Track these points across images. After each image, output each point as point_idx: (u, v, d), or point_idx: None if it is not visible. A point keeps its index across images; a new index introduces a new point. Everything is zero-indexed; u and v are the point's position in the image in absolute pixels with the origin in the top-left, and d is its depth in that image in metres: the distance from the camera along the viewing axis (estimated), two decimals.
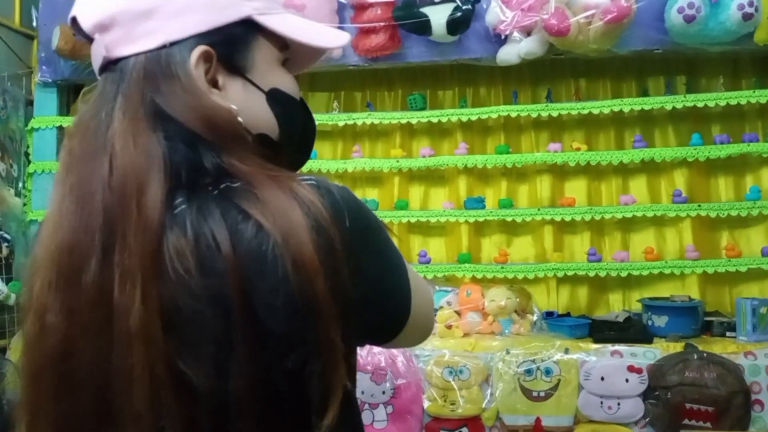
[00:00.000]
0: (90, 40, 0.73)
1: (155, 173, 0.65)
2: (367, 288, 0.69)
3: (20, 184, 2.79)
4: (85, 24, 0.71)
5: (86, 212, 0.66)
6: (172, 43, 0.70)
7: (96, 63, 0.73)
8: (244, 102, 0.73)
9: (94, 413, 0.65)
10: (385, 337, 0.78)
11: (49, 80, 2.74)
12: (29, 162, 2.77)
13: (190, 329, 0.63)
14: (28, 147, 2.80)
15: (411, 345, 0.86)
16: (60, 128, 2.76)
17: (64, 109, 2.83)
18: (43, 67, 2.72)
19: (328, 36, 0.81)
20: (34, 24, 2.81)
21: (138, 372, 0.62)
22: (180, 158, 0.66)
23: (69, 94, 2.88)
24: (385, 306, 0.74)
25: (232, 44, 0.73)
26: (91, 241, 0.65)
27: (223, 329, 0.63)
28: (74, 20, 0.73)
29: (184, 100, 0.68)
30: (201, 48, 0.70)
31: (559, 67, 2.74)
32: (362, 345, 0.80)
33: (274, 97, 0.76)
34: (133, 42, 0.70)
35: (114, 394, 0.63)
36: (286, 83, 0.79)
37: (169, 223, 0.64)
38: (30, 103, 2.85)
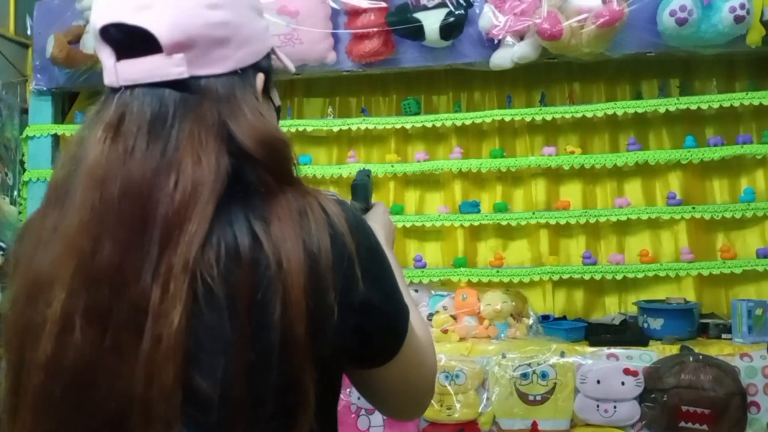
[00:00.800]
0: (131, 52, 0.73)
1: (215, 190, 0.69)
2: (379, 298, 0.75)
3: (15, 193, 2.79)
4: (164, 39, 0.72)
5: (142, 227, 0.67)
6: (242, 69, 0.77)
7: (149, 76, 0.73)
8: (272, 119, 0.83)
9: (109, 428, 0.65)
10: (376, 358, 0.81)
11: (44, 88, 2.74)
12: (24, 170, 2.77)
13: (206, 336, 0.66)
14: (23, 155, 2.80)
15: (409, 401, 0.92)
16: (55, 136, 2.76)
17: (59, 117, 2.83)
18: (38, 75, 2.72)
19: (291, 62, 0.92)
20: (29, 32, 2.82)
21: (166, 380, 0.63)
22: (232, 173, 0.71)
23: (64, 102, 2.88)
24: (390, 318, 0.80)
25: (270, 71, 0.83)
26: (145, 255, 0.66)
27: (230, 337, 0.66)
28: (135, 30, 0.72)
29: (251, 123, 0.74)
30: (261, 75, 0.80)
31: (552, 70, 2.74)
32: (360, 364, 0.82)
33: (278, 114, 0.89)
34: (209, 65, 0.74)
35: (132, 408, 0.64)
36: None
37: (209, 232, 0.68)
38: (25, 111, 2.85)
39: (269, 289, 0.66)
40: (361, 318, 0.74)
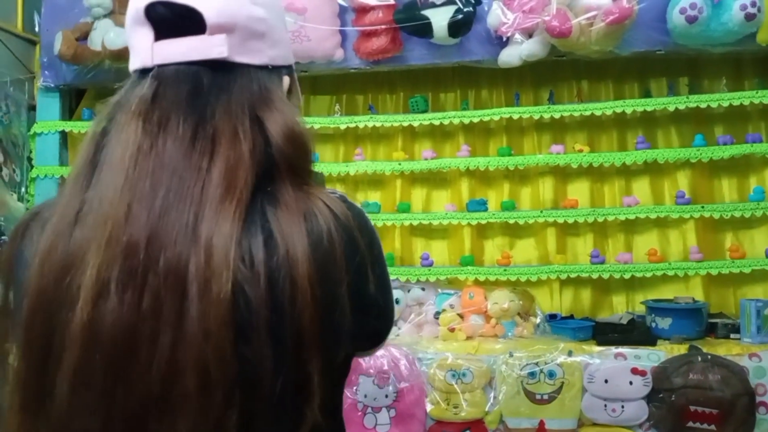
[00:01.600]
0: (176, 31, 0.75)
1: (252, 169, 0.71)
2: (378, 292, 0.78)
3: (23, 189, 2.80)
4: (211, 19, 0.75)
5: (178, 196, 0.68)
6: (273, 66, 0.81)
7: (189, 54, 0.75)
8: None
9: (151, 399, 0.64)
10: (367, 348, 0.87)
11: (52, 85, 2.74)
12: (32, 167, 2.78)
13: (244, 316, 0.66)
14: (30, 152, 2.80)
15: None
16: (62, 133, 2.77)
17: (67, 114, 2.84)
18: (46, 72, 2.73)
19: None
20: (36, 29, 2.82)
21: (218, 341, 0.63)
22: (263, 162, 0.73)
23: (71, 99, 2.89)
24: (384, 316, 0.84)
25: (292, 80, 0.86)
26: (180, 222, 0.66)
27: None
28: (182, 9, 0.74)
29: (282, 114, 0.76)
30: (287, 78, 0.84)
31: (560, 68, 2.73)
32: (362, 347, 0.86)
33: None
34: (245, 54, 0.78)
35: (180, 373, 0.63)
36: None
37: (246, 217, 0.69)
38: (32, 108, 2.85)
39: (279, 279, 0.67)
40: (367, 316, 0.76)
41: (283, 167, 0.73)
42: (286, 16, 2.35)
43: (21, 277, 0.71)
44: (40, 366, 0.66)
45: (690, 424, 2.02)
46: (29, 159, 2.81)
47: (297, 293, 0.67)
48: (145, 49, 0.76)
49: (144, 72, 0.76)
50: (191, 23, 0.74)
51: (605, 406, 2.08)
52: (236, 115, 0.73)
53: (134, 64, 0.78)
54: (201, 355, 0.63)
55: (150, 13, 0.75)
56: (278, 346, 0.66)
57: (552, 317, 2.54)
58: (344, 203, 0.76)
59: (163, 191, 0.68)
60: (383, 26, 2.41)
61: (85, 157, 0.74)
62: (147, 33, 0.76)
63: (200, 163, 0.69)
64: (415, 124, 2.66)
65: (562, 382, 2.12)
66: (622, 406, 2.07)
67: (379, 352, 2.18)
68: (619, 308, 2.67)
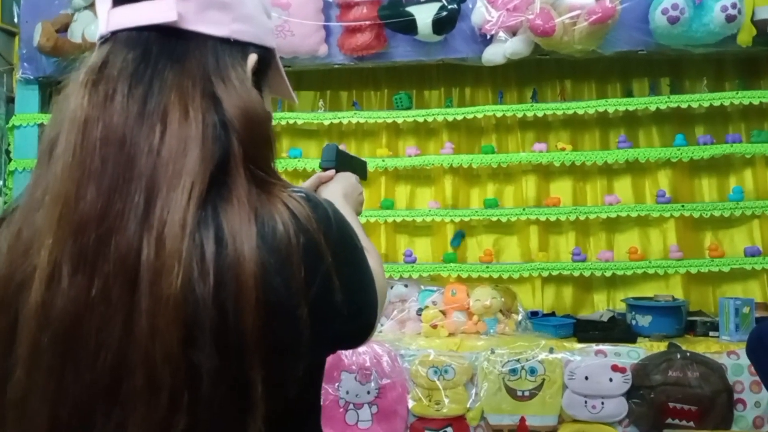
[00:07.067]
0: None
1: (206, 148, 0.66)
2: (345, 298, 0.70)
3: (1, 182, 2.76)
4: None
5: (125, 173, 0.64)
6: (236, 41, 0.74)
7: (138, 19, 0.71)
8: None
9: (99, 390, 0.62)
10: (348, 347, 0.83)
11: (31, 77, 2.70)
12: (10, 160, 2.73)
13: (192, 315, 0.62)
14: (9, 145, 2.76)
15: None
16: (42, 126, 2.73)
17: (46, 106, 2.80)
18: (25, 64, 2.69)
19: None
20: (16, 20, 2.78)
21: (166, 341, 0.60)
22: (217, 147, 0.67)
23: (51, 91, 2.84)
24: (358, 319, 0.77)
25: (265, 64, 0.79)
26: (130, 203, 0.63)
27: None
28: None
29: (238, 92, 0.71)
30: (254, 56, 0.76)
31: (544, 67, 2.74)
32: (330, 353, 0.81)
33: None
34: (203, 23, 0.72)
35: (129, 368, 0.60)
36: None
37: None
38: (11, 100, 2.81)
39: (226, 279, 0.63)
40: (333, 324, 0.70)
41: (239, 155, 0.68)
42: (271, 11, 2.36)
43: None
44: (4, 348, 0.65)
45: (669, 420, 2.04)
46: (7, 152, 2.77)
47: (241, 295, 0.62)
48: (103, 17, 0.72)
49: (102, 42, 0.72)
50: None
51: (585, 402, 2.10)
52: (186, 90, 0.68)
53: (97, 34, 0.74)
54: (148, 352, 0.60)
55: None
56: (222, 350, 0.61)
57: (534, 314, 2.55)
58: (308, 203, 0.69)
59: (111, 167, 0.64)
60: (368, 22, 2.41)
61: (45, 136, 0.71)
62: (107, 1, 0.72)
63: (150, 140, 0.65)
64: (399, 120, 2.66)
65: (543, 379, 2.13)
66: (602, 403, 2.09)
67: (361, 348, 2.18)
68: (600, 306, 2.69)
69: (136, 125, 0.66)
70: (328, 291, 0.68)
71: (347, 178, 1.18)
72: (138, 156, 0.65)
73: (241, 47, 0.75)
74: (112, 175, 0.64)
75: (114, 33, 0.71)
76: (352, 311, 0.73)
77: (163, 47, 0.70)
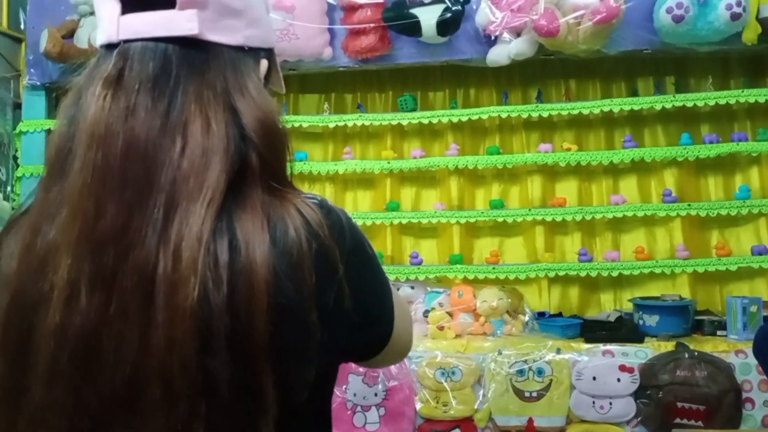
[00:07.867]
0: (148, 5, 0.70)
1: (226, 163, 0.66)
2: (357, 307, 0.70)
3: (8, 188, 2.77)
4: None
5: (145, 188, 0.64)
6: (249, 48, 0.74)
7: (157, 29, 0.69)
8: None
9: (118, 403, 0.62)
10: (363, 358, 0.81)
11: (37, 83, 2.72)
12: (17, 166, 2.75)
13: (207, 324, 0.62)
14: (16, 150, 2.78)
15: (385, 366, 0.89)
16: (48, 131, 2.74)
17: (53, 112, 2.81)
18: (31, 69, 2.70)
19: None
20: (22, 27, 2.79)
21: (183, 352, 0.60)
22: (236, 159, 0.67)
23: (57, 97, 2.86)
24: (371, 328, 0.76)
25: (271, 65, 0.80)
26: (149, 218, 0.63)
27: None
28: None
29: (256, 103, 0.71)
30: (265, 62, 0.77)
31: (549, 67, 2.74)
32: (342, 362, 0.80)
33: None
34: (219, 32, 0.72)
35: (147, 380, 0.61)
36: None
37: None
38: (18, 106, 2.83)
39: (239, 284, 0.63)
40: (342, 330, 0.70)
41: (256, 165, 0.68)
42: (274, 14, 2.36)
43: (2, 275, 0.69)
44: (16, 363, 0.65)
45: (677, 420, 2.04)
46: (15, 158, 2.78)
47: (253, 300, 0.62)
48: (111, 22, 0.70)
49: (110, 47, 0.70)
50: None
51: (593, 403, 2.09)
52: (208, 101, 0.68)
53: (100, 38, 0.72)
54: (165, 364, 0.60)
55: None
56: (235, 354, 0.62)
57: (540, 315, 2.55)
58: (321, 209, 0.69)
59: (131, 182, 0.64)
60: (372, 24, 2.41)
61: (55, 145, 0.70)
62: (113, 4, 0.70)
63: (170, 153, 0.65)
64: (404, 122, 2.66)
65: (551, 380, 2.12)
66: (610, 403, 2.08)
67: None
68: (607, 306, 2.68)
69: (159, 139, 0.65)
70: (339, 297, 0.68)
71: None
72: (158, 169, 0.64)
73: (253, 53, 0.75)
74: (132, 190, 0.64)
75: (126, 41, 0.70)
76: (364, 319, 0.73)
77: (183, 59, 0.69)
